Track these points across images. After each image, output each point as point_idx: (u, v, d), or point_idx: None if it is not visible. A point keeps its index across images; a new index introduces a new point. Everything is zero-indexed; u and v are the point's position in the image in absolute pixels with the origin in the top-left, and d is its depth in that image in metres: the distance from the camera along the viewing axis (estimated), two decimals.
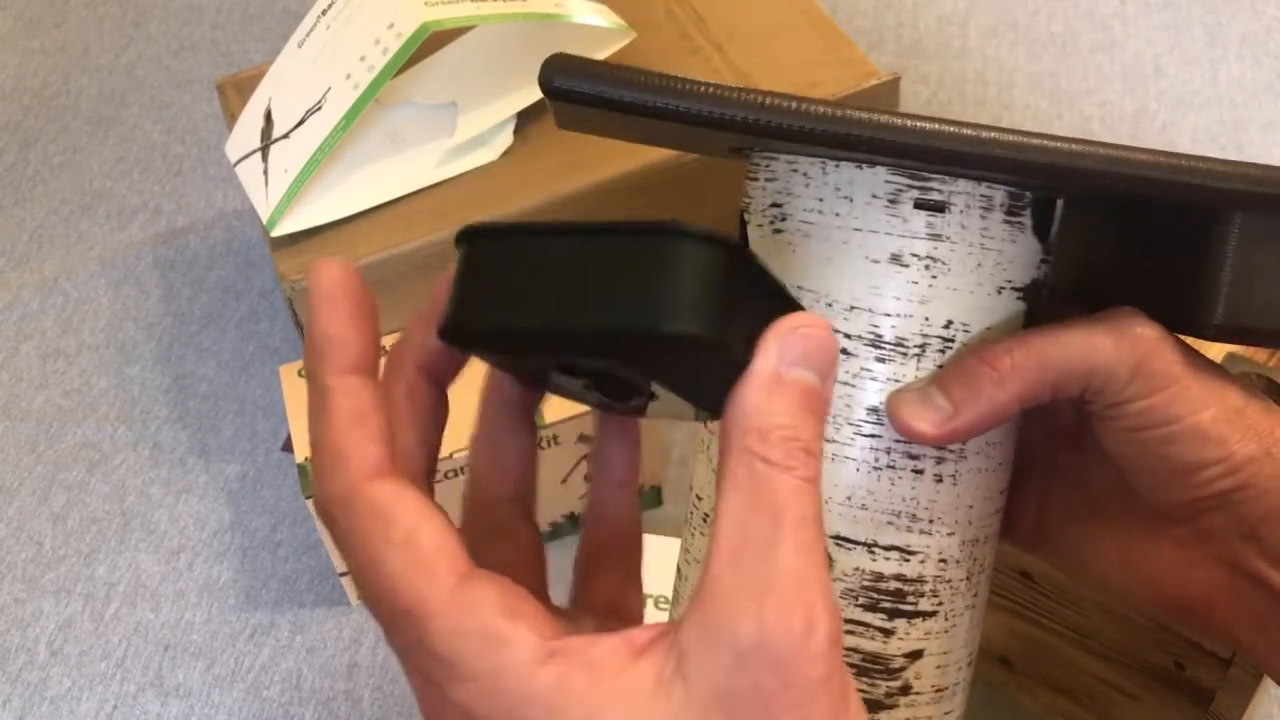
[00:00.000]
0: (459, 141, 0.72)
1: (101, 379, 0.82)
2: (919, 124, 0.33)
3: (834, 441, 0.38)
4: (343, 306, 0.30)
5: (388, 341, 0.77)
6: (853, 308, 0.37)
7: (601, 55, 0.73)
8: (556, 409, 0.66)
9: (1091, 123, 0.90)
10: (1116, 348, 0.36)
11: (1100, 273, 0.42)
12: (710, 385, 0.29)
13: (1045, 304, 0.40)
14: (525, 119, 0.73)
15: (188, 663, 0.68)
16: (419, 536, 0.29)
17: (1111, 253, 0.42)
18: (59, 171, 0.95)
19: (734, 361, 0.29)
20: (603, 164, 0.71)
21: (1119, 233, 0.42)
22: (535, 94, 0.72)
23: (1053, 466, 0.43)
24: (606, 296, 0.28)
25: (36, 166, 0.96)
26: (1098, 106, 0.91)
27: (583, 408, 0.66)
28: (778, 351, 0.29)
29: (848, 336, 0.38)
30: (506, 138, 0.72)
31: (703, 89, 0.34)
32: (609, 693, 0.28)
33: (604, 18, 0.73)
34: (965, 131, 0.33)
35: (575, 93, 0.34)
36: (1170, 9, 0.98)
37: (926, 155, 0.34)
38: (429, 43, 0.71)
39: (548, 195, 0.70)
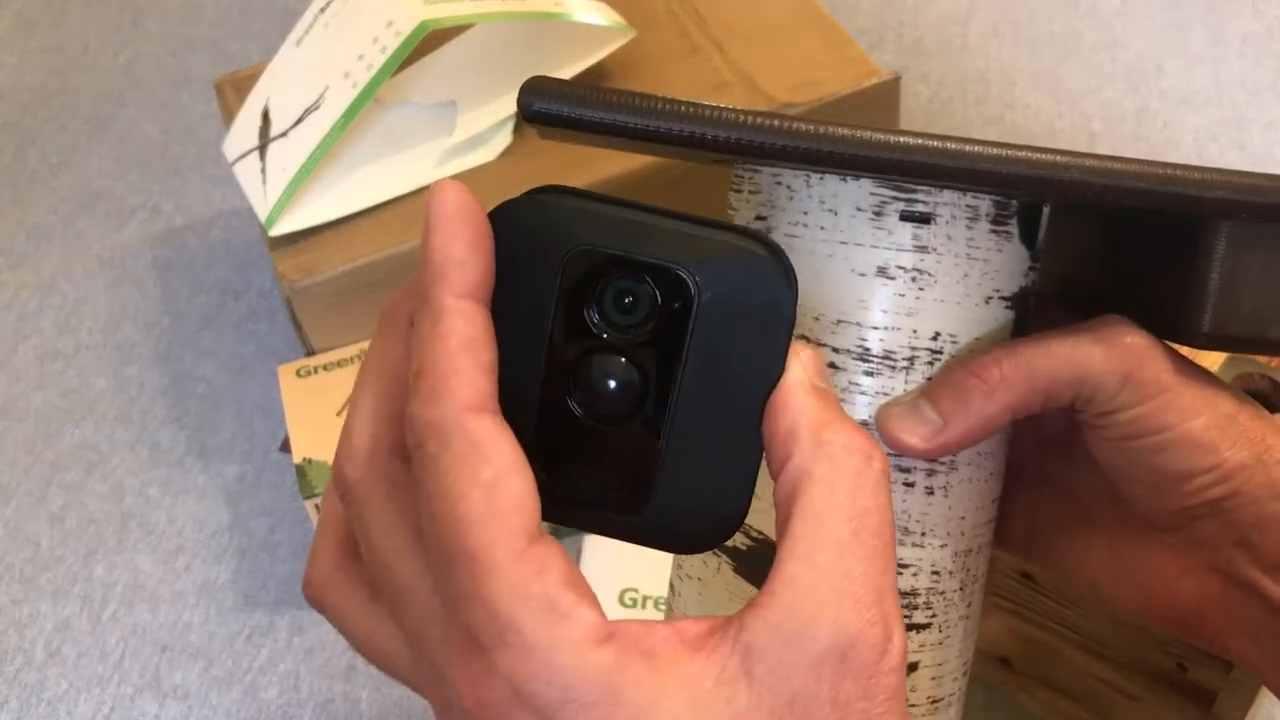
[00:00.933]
0: (458, 141, 0.72)
1: (99, 379, 0.81)
2: (902, 140, 0.33)
3: None
4: (467, 229, 0.29)
5: None
6: (840, 321, 0.37)
7: (601, 54, 0.73)
8: None
9: (1093, 122, 0.90)
10: (1106, 357, 0.36)
11: (1089, 278, 0.42)
12: (733, 382, 0.29)
13: (1034, 311, 0.40)
14: None
15: (186, 664, 0.68)
16: (506, 483, 0.27)
17: (1100, 258, 0.42)
18: (57, 171, 0.95)
19: (776, 356, 0.29)
20: (602, 163, 0.70)
21: (1107, 238, 0.41)
22: None
23: (1043, 475, 0.43)
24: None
25: (34, 166, 0.96)
26: (1099, 106, 0.91)
27: None
28: (802, 366, 0.30)
29: (835, 350, 0.37)
30: (505, 137, 0.72)
31: (683, 109, 0.34)
32: (668, 684, 0.27)
33: (604, 16, 0.73)
34: (950, 146, 0.33)
35: (555, 115, 0.34)
36: (1172, 8, 0.97)
37: (911, 170, 0.34)
38: (428, 41, 0.70)
39: None
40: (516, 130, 0.73)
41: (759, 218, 0.39)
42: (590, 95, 0.34)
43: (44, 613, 0.70)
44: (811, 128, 0.33)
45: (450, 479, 0.27)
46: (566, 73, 0.72)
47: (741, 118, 0.33)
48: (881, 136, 0.33)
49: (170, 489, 0.75)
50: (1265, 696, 0.52)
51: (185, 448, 0.77)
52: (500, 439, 0.28)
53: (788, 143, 0.33)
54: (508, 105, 0.72)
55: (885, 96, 0.74)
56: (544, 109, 0.34)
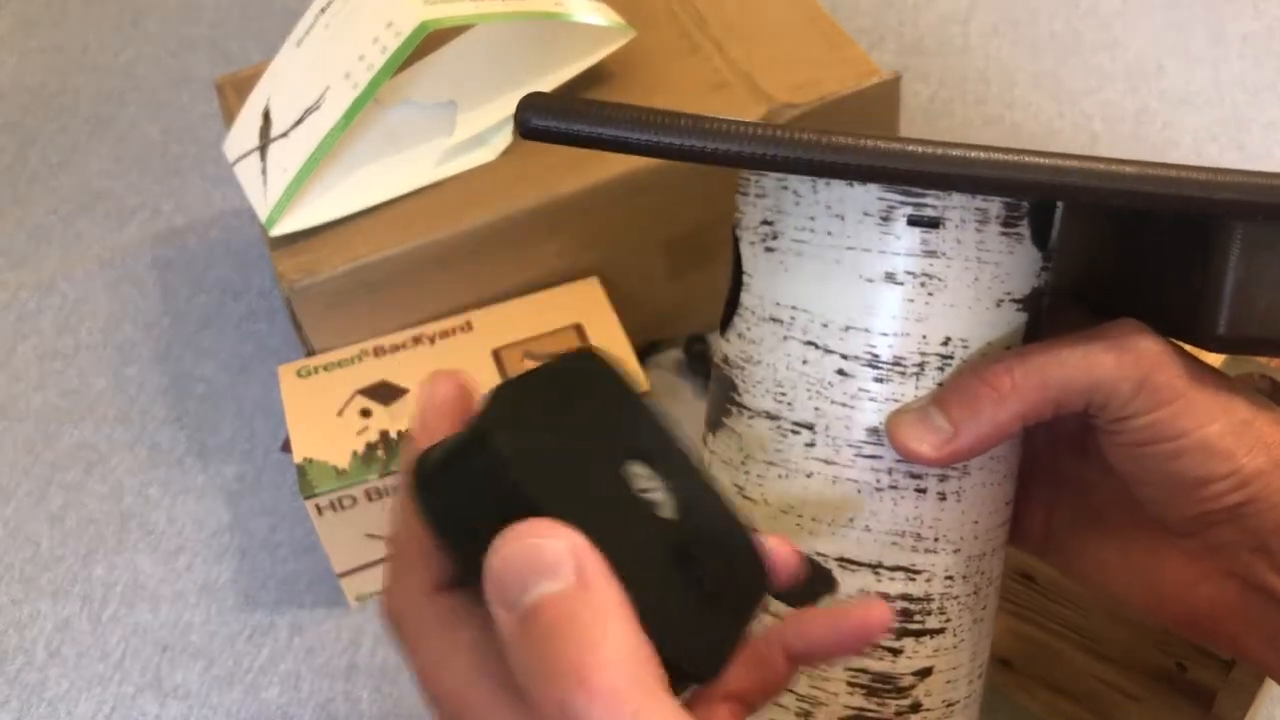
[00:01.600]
0: (458, 141, 0.72)
1: (99, 379, 0.81)
2: (909, 149, 0.33)
3: (834, 464, 0.38)
4: (444, 422, 0.31)
5: (386, 342, 0.76)
6: (848, 328, 0.37)
7: (602, 54, 0.73)
8: None
9: (1093, 122, 0.90)
10: (1118, 363, 0.36)
11: (1103, 275, 0.42)
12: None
13: (1046, 310, 0.40)
14: None
15: (186, 664, 0.68)
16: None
17: (1114, 255, 0.41)
18: (57, 171, 0.95)
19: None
20: (603, 164, 0.70)
21: (1120, 235, 0.41)
22: None
23: (1057, 476, 0.42)
24: None
25: (35, 166, 0.96)
26: (1099, 105, 0.91)
27: None
28: (495, 599, 0.27)
29: (844, 357, 0.37)
30: (506, 137, 0.72)
31: (683, 122, 0.33)
32: None
33: (604, 16, 0.73)
34: (955, 154, 0.33)
35: (552, 131, 0.34)
36: (1172, 8, 0.97)
37: (917, 180, 0.33)
38: (428, 42, 0.70)
39: (548, 194, 0.70)
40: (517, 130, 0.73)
41: (765, 222, 0.38)
42: (588, 110, 0.34)
43: (44, 613, 0.70)
44: (814, 138, 0.33)
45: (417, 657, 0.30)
46: (567, 73, 0.72)
47: (744, 129, 0.33)
48: (885, 145, 0.33)
49: (170, 489, 0.75)
50: (1264, 696, 0.52)
51: (185, 448, 0.77)
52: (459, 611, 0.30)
53: (790, 154, 0.33)
54: (508, 105, 0.72)
55: (885, 96, 0.74)
56: (541, 125, 0.34)
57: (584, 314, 0.71)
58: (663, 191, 0.71)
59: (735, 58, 0.75)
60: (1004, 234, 0.37)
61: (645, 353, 0.76)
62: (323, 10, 0.73)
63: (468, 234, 0.69)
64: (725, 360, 0.41)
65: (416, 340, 0.70)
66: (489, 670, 0.28)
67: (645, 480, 0.30)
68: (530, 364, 0.68)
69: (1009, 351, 0.37)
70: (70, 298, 0.86)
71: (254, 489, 0.75)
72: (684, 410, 0.76)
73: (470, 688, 0.28)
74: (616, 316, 0.70)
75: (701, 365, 0.77)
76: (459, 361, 0.69)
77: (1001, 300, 0.37)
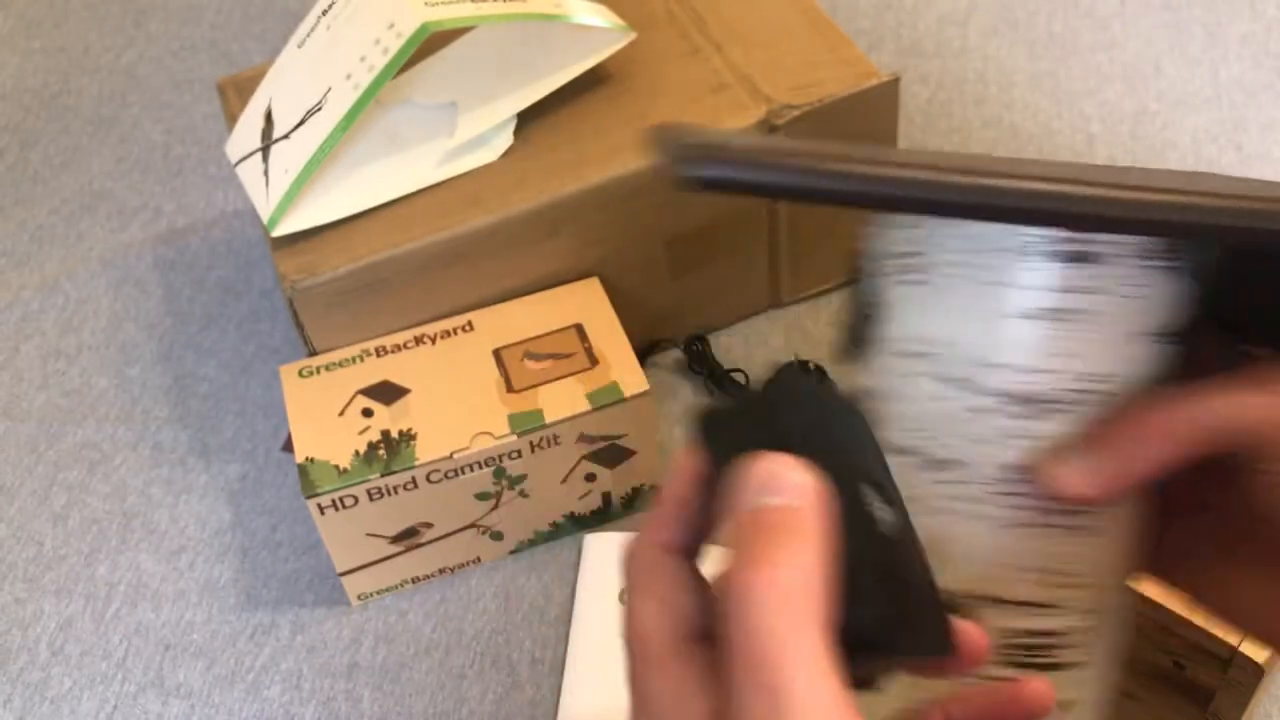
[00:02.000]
0: (459, 141, 0.72)
1: (102, 379, 0.82)
2: (1080, 191, 0.31)
3: (972, 501, 0.37)
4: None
5: (388, 342, 0.76)
6: (991, 364, 0.36)
7: (601, 56, 0.73)
8: (556, 408, 0.66)
9: (1091, 123, 0.90)
10: (1269, 408, 0.35)
11: (1257, 306, 0.40)
12: None
13: (1194, 341, 0.38)
14: (525, 119, 0.73)
15: (188, 662, 0.68)
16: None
17: (1256, 279, 0.40)
18: (59, 172, 0.96)
19: None
20: (603, 164, 0.71)
21: (1263, 260, 0.39)
22: (535, 94, 0.72)
23: (1197, 501, 0.41)
24: None
25: (37, 167, 0.96)
26: (1098, 106, 0.91)
27: (582, 408, 0.66)
28: (731, 499, 0.30)
29: (983, 393, 0.36)
30: (506, 138, 0.72)
31: (854, 169, 0.32)
32: None
33: (603, 18, 0.73)
34: (1136, 196, 0.31)
35: (720, 181, 0.32)
36: (1170, 9, 0.98)
37: (1096, 225, 0.32)
38: (429, 43, 0.71)
39: (548, 195, 0.70)
40: (517, 131, 0.73)
41: (901, 254, 0.37)
42: (757, 157, 0.32)
43: (47, 611, 0.71)
44: (986, 183, 0.31)
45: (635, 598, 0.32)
46: (567, 74, 0.73)
47: (913, 174, 0.31)
48: (1057, 189, 0.31)
49: (173, 488, 0.76)
50: (1262, 695, 0.53)
51: (187, 447, 0.78)
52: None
53: (966, 199, 0.31)
54: (509, 106, 0.72)
55: (884, 98, 0.74)
56: (711, 175, 0.31)
57: (584, 314, 0.71)
58: (663, 192, 0.72)
59: (735, 59, 0.75)
60: (1155, 267, 0.35)
61: (645, 353, 0.76)
62: (324, 11, 0.74)
63: (469, 234, 0.69)
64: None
65: (418, 340, 0.70)
66: (666, 624, 0.31)
67: (877, 504, 0.32)
68: (531, 364, 0.69)
69: (1156, 392, 0.36)
70: (73, 298, 0.87)
71: (256, 488, 0.75)
72: (683, 410, 0.76)
73: (647, 634, 0.31)
74: (616, 316, 0.71)
75: (701, 365, 0.78)
76: (460, 361, 0.69)
77: (1147, 334, 0.36)
